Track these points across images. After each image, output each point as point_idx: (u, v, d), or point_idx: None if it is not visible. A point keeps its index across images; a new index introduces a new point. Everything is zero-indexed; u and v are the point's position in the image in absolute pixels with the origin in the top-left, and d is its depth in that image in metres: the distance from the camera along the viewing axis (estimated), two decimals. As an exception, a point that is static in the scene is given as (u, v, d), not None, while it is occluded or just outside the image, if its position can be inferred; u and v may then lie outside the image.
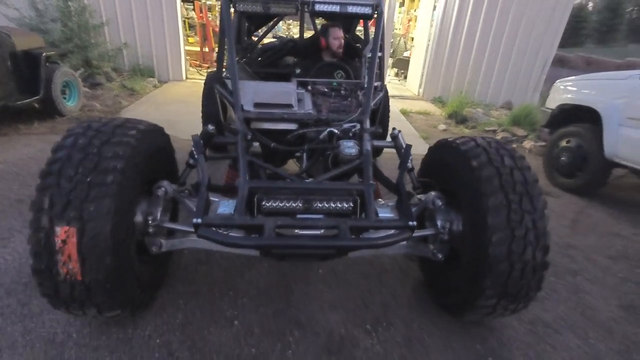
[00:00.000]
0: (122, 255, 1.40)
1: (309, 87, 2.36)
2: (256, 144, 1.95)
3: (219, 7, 11.71)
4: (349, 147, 1.86)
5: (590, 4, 32.90)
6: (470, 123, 6.50)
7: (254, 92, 2.14)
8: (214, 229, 1.45)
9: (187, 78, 8.18)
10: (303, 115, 2.07)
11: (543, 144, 5.11)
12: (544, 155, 4.34)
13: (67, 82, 4.86)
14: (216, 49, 10.19)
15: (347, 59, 3.02)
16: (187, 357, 1.55)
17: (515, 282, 1.53)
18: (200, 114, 3.74)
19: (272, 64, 3.31)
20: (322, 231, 1.57)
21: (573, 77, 4.40)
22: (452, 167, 1.78)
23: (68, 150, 1.39)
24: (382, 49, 2.51)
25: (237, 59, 3.02)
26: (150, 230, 1.61)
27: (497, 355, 1.74)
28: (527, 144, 5.44)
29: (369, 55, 2.37)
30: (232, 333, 1.69)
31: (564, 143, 3.97)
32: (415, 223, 1.57)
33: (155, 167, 1.68)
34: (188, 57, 8.63)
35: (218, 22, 10.66)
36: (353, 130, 1.99)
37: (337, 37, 2.81)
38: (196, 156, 1.75)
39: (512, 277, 1.52)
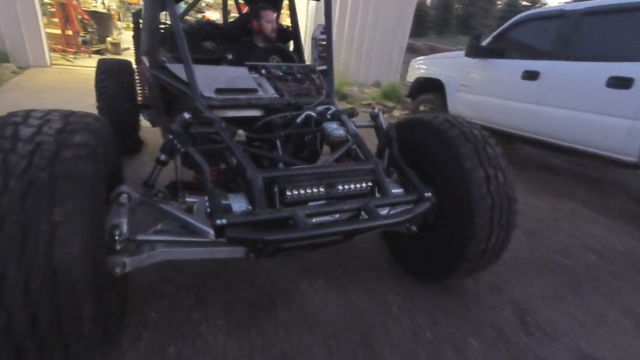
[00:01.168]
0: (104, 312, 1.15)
1: (263, 72, 2.21)
2: (241, 132, 1.81)
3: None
4: (336, 129, 1.81)
5: (429, 1, 38.93)
6: (349, 99, 7.57)
7: (206, 77, 1.94)
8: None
9: (52, 64, 7.29)
10: (271, 100, 1.97)
11: (407, 112, 6.40)
12: (409, 120, 5.58)
13: None
14: (81, 33, 9.17)
15: (279, 43, 2.88)
16: (189, 279, 1.89)
17: (495, 240, 1.69)
18: (87, 103, 3.33)
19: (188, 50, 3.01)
20: (337, 216, 1.54)
21: (423, 57, 5.69)
22: (425, 144, 1.83)
23: None
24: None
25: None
26: (118, 247, 1.30)
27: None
28: (396, 112, 6.72)
29: (321, 37, 2.35)
30: (217, 262, 2.07)
31: (422, 107, 5.18)
32: (430, 194, 1.63)
33: (110, 171, 1.32)
34: (49, 41, 7.64)
35: (78, 2, 9.53)
36: (328, 112, 1.97)
37: (270, 20, 2.68)
38: (182, 149, 1.50)
39: (492, 236, 1.67)
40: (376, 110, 2.05)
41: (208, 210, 1.36)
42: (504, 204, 1.67)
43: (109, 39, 9.87)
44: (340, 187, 1.54)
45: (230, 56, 2.59)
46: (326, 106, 2.03)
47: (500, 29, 4.39)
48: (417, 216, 1.54)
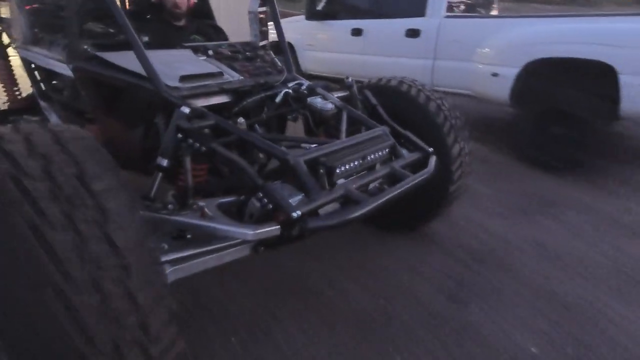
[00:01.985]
0: None
1: (210, 52, 2.03)
2: (241, 120, 1.68)
3: None
4: (324, 103, 1.78)
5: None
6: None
7: (154, 65, 1.65)
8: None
9: None
10: (242, 83, 1.84)
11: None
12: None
13: None
14: None
15: (196, 19, 2.63)
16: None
17: (463, 175, 2.03)
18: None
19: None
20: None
21: (273, 23, 6.33)
22: (393, 106, 2.01)
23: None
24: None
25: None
26: None
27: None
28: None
29: (260, 10, 2.20)
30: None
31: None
32: (432, 149, 1.78)
33: None
34: None
35: None
36: (302, 88, 1.90)
37: None
38: (203, 148, 1.39)
39: (463, 176, 2.00)
40: (350, 79, 2.06)
41: (269, 206, 1.26)
42: (466, 147, 2.01)
43: None
44: (369, 157, 1.58)
45: (146, 38, 2.19)
46: (297, 82, 1.98)
47: (329, -6, 5.27)
48: (437, 169, 1.71)
